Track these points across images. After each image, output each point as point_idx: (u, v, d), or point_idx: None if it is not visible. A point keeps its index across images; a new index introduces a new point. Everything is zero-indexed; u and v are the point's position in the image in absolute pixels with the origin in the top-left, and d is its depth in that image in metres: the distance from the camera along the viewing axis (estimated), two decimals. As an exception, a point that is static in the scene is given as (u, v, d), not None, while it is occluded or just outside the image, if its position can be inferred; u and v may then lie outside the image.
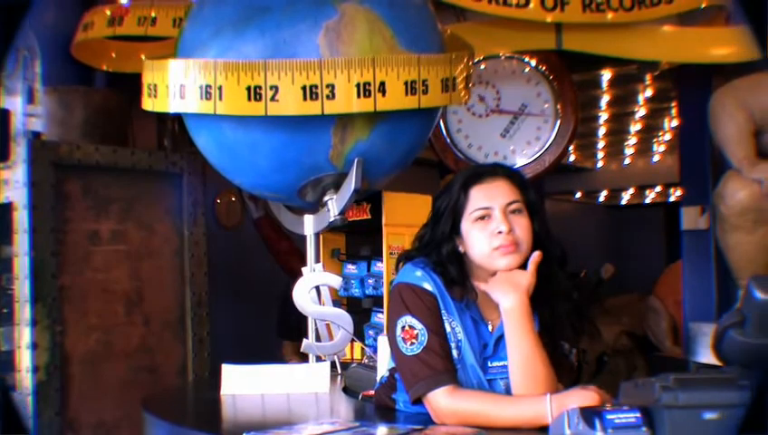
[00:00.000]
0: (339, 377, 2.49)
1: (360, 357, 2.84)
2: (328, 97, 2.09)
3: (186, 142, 2.82)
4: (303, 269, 2.60)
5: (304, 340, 2.59)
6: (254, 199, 3.97)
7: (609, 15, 2.97)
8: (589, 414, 1.38)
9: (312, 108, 2.10)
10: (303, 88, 2.08)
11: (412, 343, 1.74)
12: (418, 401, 1.73)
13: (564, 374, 1.77)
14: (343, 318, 2.54)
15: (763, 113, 3.09)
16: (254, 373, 2.32)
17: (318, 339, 2.60)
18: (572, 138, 3.41)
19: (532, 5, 2.94)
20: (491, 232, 1.76)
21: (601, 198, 10.54)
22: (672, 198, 9.59)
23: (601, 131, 6.91)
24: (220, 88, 2.10)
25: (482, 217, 1.78)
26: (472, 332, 1.78)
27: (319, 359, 2.56)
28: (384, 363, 2.03)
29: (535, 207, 1.82)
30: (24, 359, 3.00)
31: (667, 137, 7.19)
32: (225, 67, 2.10)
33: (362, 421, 1.72)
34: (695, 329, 3.40)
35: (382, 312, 2.81)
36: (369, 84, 2.10)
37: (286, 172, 2.32)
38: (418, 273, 1.80)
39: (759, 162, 3.06)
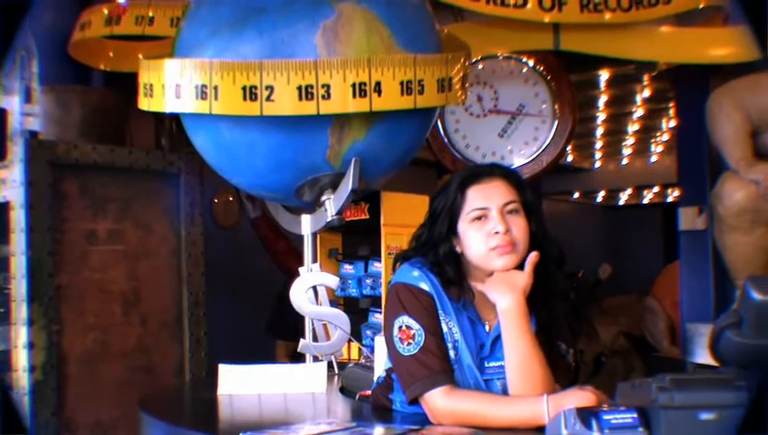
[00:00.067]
0: (336, 377, 2.49)
1: (357, 357, 2.83)
2: (323, 97, 2.08)
3: (183, 142, 2.81)
4: (300, 269, 2.60)
5: (301, 340, 2.58)
6: (252, 199, 3.98)
7: (607, 16, 2.97)
8: (585, 414, 1.38)
9: (308, 108, 2.09)
10: (299, 88, 2.07)
11: (409, 344, 1.74)
12: (415, 402, 1.73)
13: (561, 375, 1.77)
14: (340, 318, 2.54)
15: (760, 114, 3.09)
16: (251, 373, 2.32)
17: (315, 339, 2.60)
18: (570, 138, 3.42)
19: (529, 6, 2.94)
20: (488, 232, 1.76)
21: (599, 199, 10.55)
22: (670, 199, 9.59)
23: (599, 132, 6.91)
24: (216, 88, 2.10)
25: (479, 218, 1.78)
26: (469, 332, 1.78)
27: (316, 359, 2.56)
28: (381, 364, 2.03)
29: (532, 207, 1.82)
30: (21, 358, 3.00)
31: (665, 137, 7.19)
32: (221, 67, 2.10)
33: (359, 422, 1.72)
34: (692, 329, 3.39)
35: (379, 312, 2.81)
36: (365, 84, 2.09)
37: (283, 172, 2.31)
38: (415, 273, 1.79)
39: (756, 163, 3.06)
